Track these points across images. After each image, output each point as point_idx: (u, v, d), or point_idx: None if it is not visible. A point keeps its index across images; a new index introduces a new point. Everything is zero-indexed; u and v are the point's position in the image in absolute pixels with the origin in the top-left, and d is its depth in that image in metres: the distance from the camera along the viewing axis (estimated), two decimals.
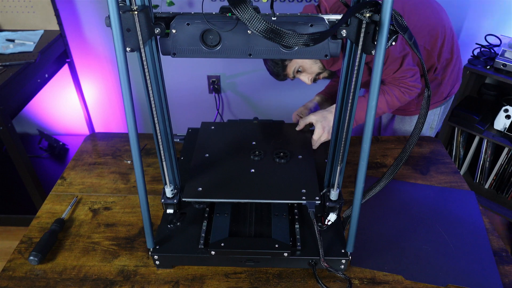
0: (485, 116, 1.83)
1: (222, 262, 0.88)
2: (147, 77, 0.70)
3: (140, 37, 0.63)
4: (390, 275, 0.87)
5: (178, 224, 0.90)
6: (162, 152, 0.81)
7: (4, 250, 1.82)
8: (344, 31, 0.65)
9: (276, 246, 0.83)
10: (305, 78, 1.20)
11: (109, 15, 0.56)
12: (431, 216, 1.02)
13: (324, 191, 0.90)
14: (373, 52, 0.64)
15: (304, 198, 0.86)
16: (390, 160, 1.22)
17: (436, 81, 1.29)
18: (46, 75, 1.75)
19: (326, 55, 0.68)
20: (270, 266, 0.88)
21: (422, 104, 0.74)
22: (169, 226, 0.90)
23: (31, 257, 0.87)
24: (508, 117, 1.74)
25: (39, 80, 1.69)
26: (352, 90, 0.73)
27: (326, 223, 0.89)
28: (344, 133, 0.79)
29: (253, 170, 0.93)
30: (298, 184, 0.89)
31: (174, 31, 0.65)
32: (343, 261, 0.85)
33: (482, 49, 1.78)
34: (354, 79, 0.71)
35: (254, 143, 1.03)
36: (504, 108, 1.74)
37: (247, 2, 0.52)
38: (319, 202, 0.86)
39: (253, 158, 0.96)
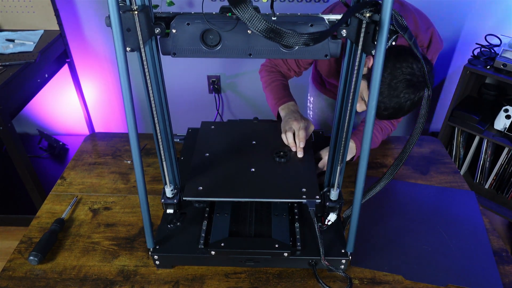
0: (485, 116, 1.84)
1: (222, 262, 0.88)
2: (147, 77, 0.70)
3: (140, 37, 0.63)
4: (390, 275, 0.87)
5: (178, 224, 0.90)
6: (162, 152, 0.81)
7: (4, 250, 1.82)
8: (344, 31, 0.65)
9: (276, 246, 0.83)
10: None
11: (109, 15, 0.56)
12: (431, 216, 1.02)
13: (324, 190, 0.90)
14: (373, 52, 0.64)
15: (304, 197, 0.86)
16: (390, 160, 1.22)
17: None
18: (46, 75, 1.75)
19: (326, 55, 0.68)
20: (270, 266, 0.88)
21: (422, 104, 0.75)
22: (169, 226, 0.90)
23: (31, 257, 0.87)
24: (508, 117, 1.75)
25: (39, 80, 1.69)
26: (352, 90, 0.73)
27: (326, 223, 0.89)
28: (344, 133, 0.79)
29: (253, 170, 0.93)
30: (298, 183, 0.89)
31: (174, 31, 0.65)
32: (343, 261, 0.85)
33: (482, 49, 1.78)
34: (354, 79, 0.71)
35: (254, 142, 1.03)
36: (504, 108, 1.75)
37: (247, 2, 0.52)
38: (320, 201, 0.86)
39: (278, 160, 0.96)
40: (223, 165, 0.95)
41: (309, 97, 1.63)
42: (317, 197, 0.86)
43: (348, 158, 1.09)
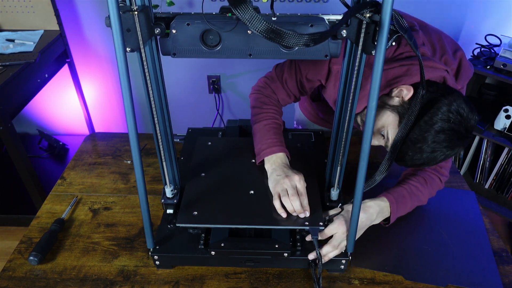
0: (485, 116, 1.84)
1: (222, 262, 0.87)
2: (147, 77, 0.70)
3: (140, 37, 0.63)
4: (390, 275, 0.87)
5: (178, 225, 0.90)
6: (162, 152, 0.81)
7: (4, 250, 1.82)
8: (344, 31, 0.65)
9: (276, 246, 0.83)
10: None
11: (109, 15, 0.56)
12: (431, 216, 1.02)
13: (327, 218, 0.88)
14: (373, 52, 0.64)
15: (306, 223, 0.83)
16: None
17: None
18: (46, 75, 1.75)
19: (326, 55, 0.68)
20: (270, 266, 0.88)
21: (415, 103, 0.75)
22: (169, 226, 0.89)
23: (31, 257, 0.87)
24: (508, 117, 1.75)
25: (39, 80, 1.69)
26: (352, 90, 0.73)
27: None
28: (344, 133, 0.79)
29: (252, 192, 0.89)
30: None
31: (174, 31, 0.65)
32: (343, 261, 0.85)
33: (482, 49, 1.78)
34: (354, 79, 0.71)
35: (253, 161, 0.98)
36: (504, 108, 1.75)
37: (247, 2, 0.52)
38: (323, 228, 0.84)
39: None
40: (220, 187, 0.91)
41: (295, 125, 1.46)
42: (321, 224, 0.83)
43: (377, 221, 0.91)
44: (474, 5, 1.84)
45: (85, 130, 2.26)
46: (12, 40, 1.70)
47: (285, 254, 0.82)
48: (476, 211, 1.04)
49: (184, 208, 0.86)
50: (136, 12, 0.60)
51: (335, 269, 0.87)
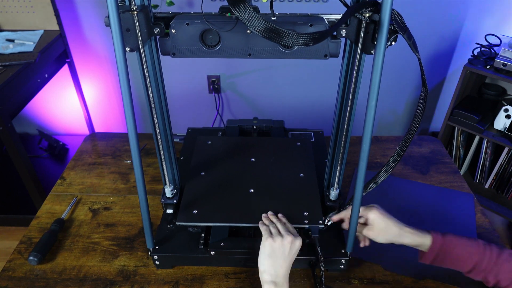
0: (485, 116, 1.83)
1: (222, 262, 0.87)
2: (147, 77, 0.70)
3: (139, 37, 0.63)
4: (390, 275, 0.87)
5: (177, 224, 0.90)
6: (162, 152, 0.81)
7: (4, 250, 1.82)
8: (343, 31, 0.65)
9: None
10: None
11: (108, 15, 0.56)
12: (426, 216, 1.02)
13: (329, 215, 0.88)
14: (372, 52, 0.64)
15: (306, 222, 0.83)
16: None
17: None
18: (46, 75, 1.75)
19: (325, 55, 0.68)
20: None
21: (418, 103, 0.75)
22: (169, 226, 0.90)
23: (31, 257, 0.87)
24: (508, 117, 1.74)
25: (39, 80, 1.69)
26: (352, 90, 0.73)
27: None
28: (344, 133, 0.79)
29: (252, 190, 0.89)
30: (300, 206, 0.85)
31: (173, 31, 0.65)
32: (343, 261, 0.85)
33: (482, 48, 1.77)
34: (354, 79, 0.71)
35: (253, 159, 0.99)
36: (504, 108, 1.74)
37: (246, 2, 0.52)
38: (323, 226, 0.84)
39: None
40: (220, 185, 0.91)
41: None
42: (320, 222, 0.83)
43: (409, 242, 0.81)
44: (474, 4, 1.84)
45: (85, 130, 2.26)
46: (12, 40, 1.70)
47: None
48: (471, 213, 1.03)
49: (184, 207, 0.86)
50: (135, 12, 0.60)
51: (335, 269, 0.87)
